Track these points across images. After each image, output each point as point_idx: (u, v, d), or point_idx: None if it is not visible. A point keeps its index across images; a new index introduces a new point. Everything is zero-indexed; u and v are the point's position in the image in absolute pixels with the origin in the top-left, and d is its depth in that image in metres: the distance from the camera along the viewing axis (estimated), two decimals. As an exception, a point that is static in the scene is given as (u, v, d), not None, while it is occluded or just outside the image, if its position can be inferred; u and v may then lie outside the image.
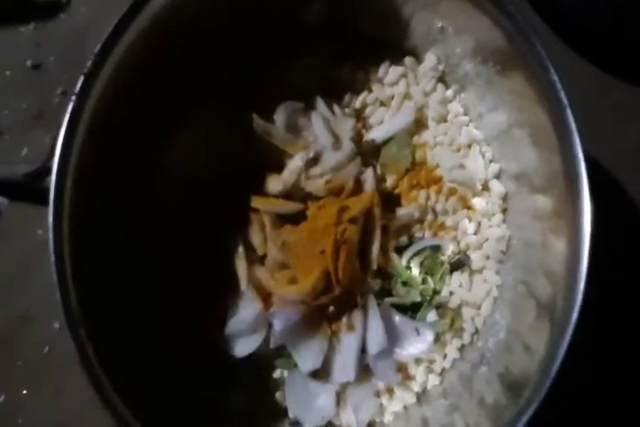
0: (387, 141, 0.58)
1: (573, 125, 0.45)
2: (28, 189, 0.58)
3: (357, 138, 0.58)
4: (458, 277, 0.57)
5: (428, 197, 0.57)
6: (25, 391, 0.60)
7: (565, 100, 0.45)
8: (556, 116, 0.46)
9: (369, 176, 0.56)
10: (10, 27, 0.67)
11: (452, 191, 0.58)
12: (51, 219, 0.44)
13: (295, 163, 0.56)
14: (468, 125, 0.59)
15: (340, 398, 0.56)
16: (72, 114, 0.45)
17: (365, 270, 0.55)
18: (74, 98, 0.45)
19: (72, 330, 0.44)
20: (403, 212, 0.57)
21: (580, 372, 0.49)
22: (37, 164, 0.57)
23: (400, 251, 0.57)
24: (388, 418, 0.56)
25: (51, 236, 0.44)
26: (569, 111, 0.45)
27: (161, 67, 0.51)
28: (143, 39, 0.48)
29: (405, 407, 0.56)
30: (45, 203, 0.45)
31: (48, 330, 0.59)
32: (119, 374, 0.46)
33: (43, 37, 0.67)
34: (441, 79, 0.59)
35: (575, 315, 0.44)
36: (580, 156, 0.45)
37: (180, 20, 0.51)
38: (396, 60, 0.60)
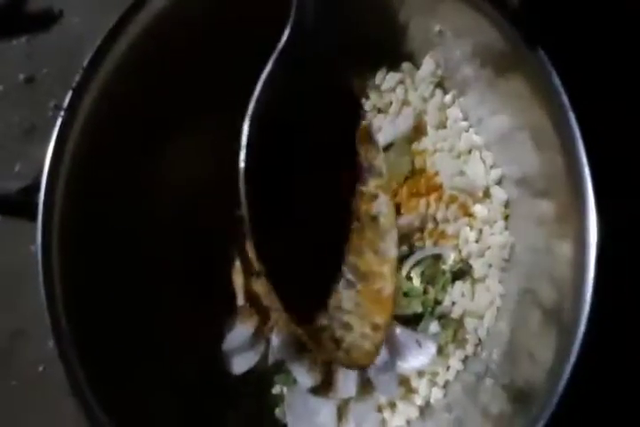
0: (385, 148, 0.57)
1: (576, 128, 0.45)
2: (21, 205, 0.57)
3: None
4: (460, 287, 0.56)
5: (427, 205, 0.57)
6: (19, 411, 0.59)
7: (568, 103, 0.45)
8: (559, 118, 0.46)
9: None
10: (2, 40, 0.66)
11: (453, 199, 0.57)
12: (39, 235, 0.44)
13: None
14: (467, 131, 0.58)
15: (341, 413, 0.55)
16: (61, 128, 0.45)
17: None
18: (62, 113, 0.45)
19: (61, 350, 0.44)
20: (402, 221, 0.56)
21: (590, 383, 0.47)
22: (30, 179, 0.56)
23: (400, 261, 0.56)
24: None
25: (39, 252, 0.44)
26: (571, 114, 0.45)
27: (153, 77, 0.51)
28: (133, 50, 0.48)
29: (408, 422, 0.55)
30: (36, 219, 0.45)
31: (42, 348, 0.58)
32: (112, 393, 0.45)
33: (35, 50, 0.66)
34: (439, 84, 0.59)
35: (583, 323, 0.43)
36: (584, 159, 0.45)
37: (171, 30, 0.50)
38: (394, 65, 0.59)
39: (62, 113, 0.45)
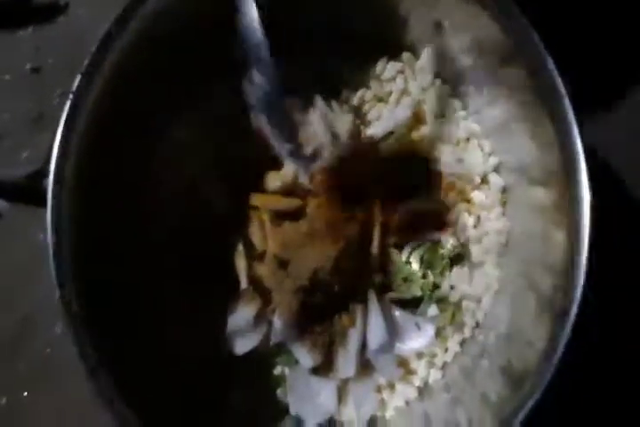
0: (385, 137, 0.58)
1: (572, 117, 0.45)
2: (29, 191, 0.58)
3: (356, 134, 0.58)
4: (458, 272, 0.57)
5: None
6: (26, 394, 0.60)
7: (564, 92, 0.46)
8: (554, 107, 0.46)
9: None
10: (9, 30, 0.66)
11: (451, 185, 0.57)
12: (49, 219, 0.44)
13: None
14: (466, 119, 0.59)
15: (341, 393, 0.56)
16: (69, 112, 0.45)
17: (365, 266, 0.55)
18: (71, 96, 0.45)
19: (73, 330, 0.44)
20: (402, 206, 0.56)
21: (581, 365, 0.49)
22: (37, 165, 0.57)
23: (400, 246, 0.57)
24: (389, 413, 0.56)
25: (50, 237, 0.44)
26: (567, 102, 0.46)
27: (160, 65, 0.51)
28: (142, 37, 0.48)
29: (407, 402, 0.56)
30: (45, 204, 0.45)
31: (50, 333, 0.59)
32: (119, 372, 0.46)
33: (42, 41, 0.66)
34: (438, 74, 0.59)
35: (575, 307, 0.44)
36: (579, 147, 0.45)
37: (178, 19, 0.51)
38: (394, 55, 0.59)
39: (70, 97, 0.45)
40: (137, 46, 0.48)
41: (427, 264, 0.56)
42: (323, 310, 0.54)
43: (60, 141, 0.45)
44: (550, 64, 0.46)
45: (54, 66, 0.66)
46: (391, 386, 0.56)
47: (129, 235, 0.52)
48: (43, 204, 0.45)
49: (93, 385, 0.44)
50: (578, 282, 0.44)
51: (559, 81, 0.46)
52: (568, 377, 0.43)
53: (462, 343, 0.56)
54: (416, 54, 0.59)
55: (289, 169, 0.55)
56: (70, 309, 0.45)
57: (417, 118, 0.59)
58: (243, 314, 0.54)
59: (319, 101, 0.58)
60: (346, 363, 0.54)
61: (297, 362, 0.55)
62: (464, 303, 0.56)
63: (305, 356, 0.54)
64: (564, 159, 0.46)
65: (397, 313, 0.55)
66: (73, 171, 0.46)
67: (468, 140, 0.58)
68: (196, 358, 0.55)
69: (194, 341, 0.55)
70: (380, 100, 0.60)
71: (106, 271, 0.49)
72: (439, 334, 0.56)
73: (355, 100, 0.59)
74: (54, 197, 0.45)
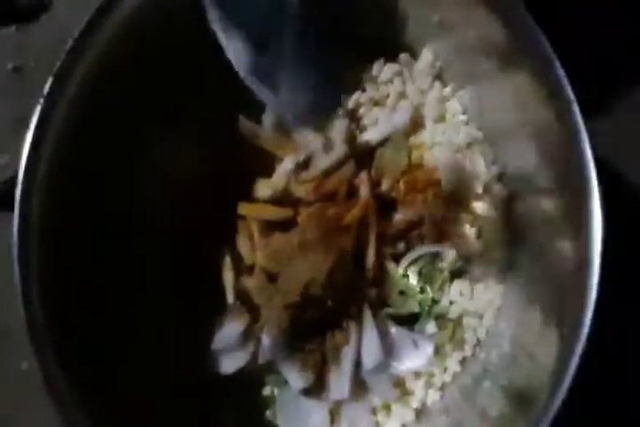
0: (382, 143, 0.57)
1: (581, 123, 0.44)
2: (5, 198, 0.55)
3: (351, 139, 0.56)
4: (458, 286, 0.56)
5: (425, 201, 0.55)
6: (3, 410, 0.58)
7: (573, 96, 0.44)
8: (563, 115, 0.44)
9: (363, 180, 0.55)
10: (-10, 29, 0.66)
11: (451, 194, 0.56)
12: (16, 228, 0.43)
13: (285, 166, 0.55)
14: (467, 125, 0.57)
15: (334, 415, 0.55)
16: (41, 115, 0.44)
17: (360, 280, 0.54)
18: (42, 100, 0.44)
19: (38, 352, 0.43)
20: (399, 217, 0.55)
21: (593, 385, 0.47)
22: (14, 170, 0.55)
23: (397, 258, 0.55)
24: None
25: (15, 248, 0.43)
26: (577, 110, 0.44)
27: (141, 66, 0.50)
28: (120, 37, 0.47)
29: (404, 425, 0.55)
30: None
31: (26, 345, 0.57)
32: (95, 395, 0.45)
33: (24, 40, 0.66)
34: (438, 76, 0.58)
35: (587, 326, 0.42)
36: (589, 155, 0.43)
37: (161, 18, 0.49)
38: (391, 57, 0.58)
39: (41, 100, 0.44)
40: (114, 47, 0.47)
41: (425, 278, 0.55)
42: (314, 327, 0.53)
43: (31, 146, 0.44)
44: (557, 66, 0.44)
45: (37, 65, 0.65)
46: (387, 408, 0.55)
47: (105, 246, 0.50)
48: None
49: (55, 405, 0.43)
50: (589, 299, 0.42)
51: (567, 84, 0.44)
52: (580, 399, 0.41)
53: (462, 362, 0.55)
54: (414, 55, 0.58)
55: (279, 176, 0.54)
56: (35, 322, 0.43)
57: (415, 123, 0.58)
58: (229, 331, 0.53)
59: (311, 103, 0.57)
60: (339, 383, 0.53)
61: (287, 382, 0.54)
62: (464, 320, 0.55)
63: (295, 376, 0.53)
64: (572, 166, 0.44)
65: (394, 330, 0.54)
66: (44, 175, 0.45)
67: (469, 146, 0.57)
68: (182, 378, 0.53)
69: (179, 360, 0.53)
70: (377, 103, 0.59)
71: (77, 284, 0.47)
72: (438, 352, 0.55)
73: (349, 104, 0.58)
74: (22, 203, 0.44)
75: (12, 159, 0.61)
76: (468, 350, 0.55)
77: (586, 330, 0.42)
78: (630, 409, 0.57)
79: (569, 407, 0.42)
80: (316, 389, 0.53)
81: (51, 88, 0.44)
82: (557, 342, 0.44)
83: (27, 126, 0.61)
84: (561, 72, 0.44)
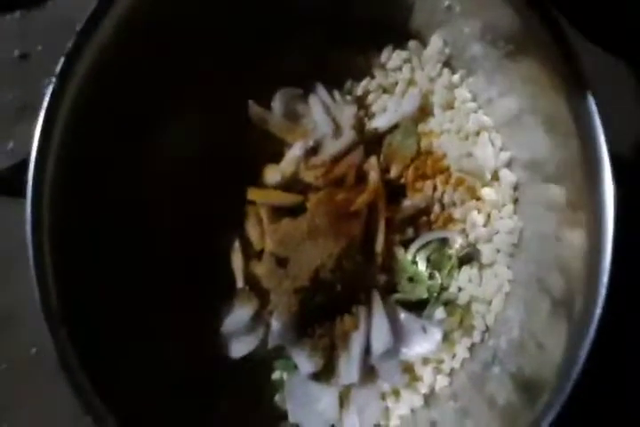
0: (391, 130, 0.57)
1: (594, 108, 0.44)
2: (10, 184, 0.55)
3: (359, 126, 0.56)
4: (467, 272, 0.56)
5: (434, 188, 0.56)
6: (11, 394, 0.58)
7: (588, 87, 0.44)
8: (576, 103, 0.44)
9: (372, 166, 0.55)
10: (-5, 15, 0.65)
11: (460, 181, 0.56)
12: (29, 212, 0.43)
13: (294, 152, 0.54)
14: (476, 112, 0.57)
15: (343, 400, 0.54)
16: (52, 97, 0.44)
17: (369, 265, 0.53)
18: (54, 80, 0.44)
19: (52, 332, 0.43)
20: (408, 203, 0.55)
21: (603, 373, 0.47)
22: (22, 156, 0.55)
23: (405, 244, 0.55)
24: (394, 422, 0.55)
25: (29, 231, 0.43)
26: (591, 98, 0.44)
27: (149, 49, 0.50)
28: (129, 20, 0.47)
29: (412, 410, 0.55)
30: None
31: (35, 331, 0.57)
32: (107, 378, 0.45)
33: (30, 27, 0.65)
34: (447, 63, 0.58)
35: (597, 314, 0.42)
36: (602, 140, 0.43)
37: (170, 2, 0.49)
38: (400, 43, 0.58)
39: (53, 80, 0.43)
40: (123, 32, 0.47)
41: (434, 264, 0.55)
42: (323, 312, 0.53)
43: (42, 129, 0.43)
44: (573, 49, 0.44)
45: (43, 52, 0.64)
46: (396, 393, 0.55)
47: (117, 229, 0.50)
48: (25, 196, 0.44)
49: (75, 395, 0.43)
50: (600, 287, 0.42)
51: (582, 73, 0.44)
52: (589, 387, 0.41)
53: (471, 349, 0.55)
54: (424, 42, 0.58)
55: (288, 162, 0.54)
56: (50, 307, 0.43)
57: (424, 110, 0.58)
58: (239, 315, 0.53)
59: (320, 89, 0.56)
60: (348, 368, 0.53)
61: (296, 367, 0.53)
62: (473, 306, 0.55)
63: (304, 360, 0.52)
64: (583, 155, 0.44)
65: (403, 316, 0.54)
66: (55, 160, 0.44)
67: (478, 133, 0.57)
68: (191, 362, 0.53)
69: (189, 344, 0.53)
70: (385, 90, 0.59)
71: (89, 270, 0.47)
72: (446, 338, 0.54)
73: (358, 91, 0.58)
74: (34, 187, 0.43)
75: (17, 145, 0.61)
76: (476, 337, 0.55)
77: (595, 322, 0.42)
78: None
79: (577, 397, 0.42)
80: (325, 374, 0.53)
81: (62, 68, 0.44)
82: (566, 331, 0.44)
83: (31, 113, 0.62)
84: (577, 55, 0.44)
